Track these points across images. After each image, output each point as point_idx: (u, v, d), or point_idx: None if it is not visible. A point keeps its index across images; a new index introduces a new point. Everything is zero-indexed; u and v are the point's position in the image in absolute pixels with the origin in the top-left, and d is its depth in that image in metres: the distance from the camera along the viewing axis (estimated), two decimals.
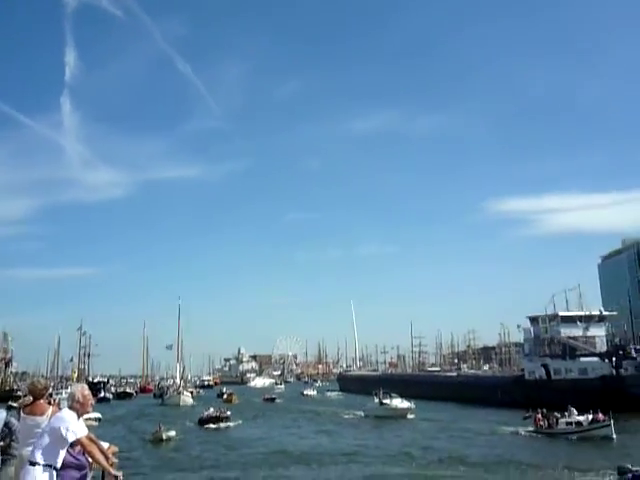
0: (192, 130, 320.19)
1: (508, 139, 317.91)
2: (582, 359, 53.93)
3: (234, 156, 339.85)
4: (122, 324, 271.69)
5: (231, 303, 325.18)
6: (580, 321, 57.48)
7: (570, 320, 57.74)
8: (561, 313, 59.06)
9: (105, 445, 6.00)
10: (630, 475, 19.51)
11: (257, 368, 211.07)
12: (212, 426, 44.11)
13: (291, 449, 32.31)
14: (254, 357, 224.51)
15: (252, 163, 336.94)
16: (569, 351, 56.03)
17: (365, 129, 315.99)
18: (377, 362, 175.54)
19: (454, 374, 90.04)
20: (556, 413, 34.96)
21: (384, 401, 50.35)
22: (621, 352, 51.88)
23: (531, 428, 36.06)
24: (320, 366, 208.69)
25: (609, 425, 31.04)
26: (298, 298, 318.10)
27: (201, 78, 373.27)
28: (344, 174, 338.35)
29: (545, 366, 55.74)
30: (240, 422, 46.94)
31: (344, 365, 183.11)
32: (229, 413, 47.26)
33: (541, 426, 35.32)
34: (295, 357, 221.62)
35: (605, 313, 59.97)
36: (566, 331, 56.71)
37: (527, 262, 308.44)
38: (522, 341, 68.47)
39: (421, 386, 74.08)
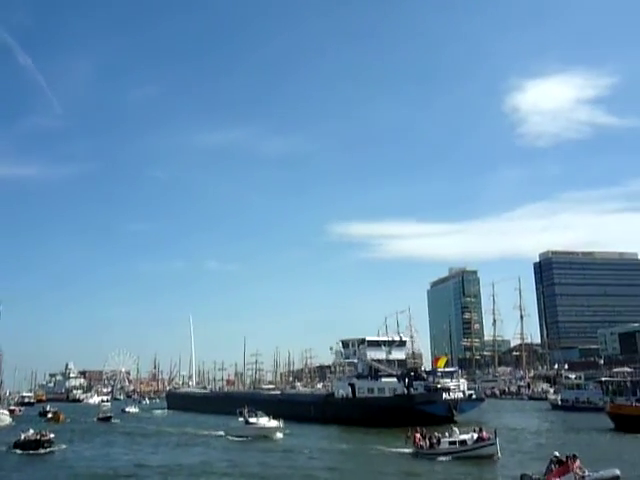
0: (30, 127, 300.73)
1: (353, 165, 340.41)
2: (383, 379, 61.32)
3: (77, 158, 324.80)
4: None
5: (61, 315, 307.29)
6: (384, 345, 65.53)
7: (376, 344, 65.74)
8: (368, 338, 66.88)
9: None
10: None
11: (85, 385, 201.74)
12: (31, 452, 38.90)
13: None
14: (83, 373, 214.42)
15: (96, 167, 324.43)
16: (373, 372, 63.49)
17: (215, 144, 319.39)
18: (215, 379, 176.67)
19: (278, 392, 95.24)
20: (436, 433, 33.31)
21: (250, 420, 47.91)
22: (412, 373, 60.31)
23: (408, 450, 33.80)
24: (154, 383, 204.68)
25: (494, 444, 30.36)
26: (135, 311, 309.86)
27: (44, 73, 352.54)
28: (190, 187, 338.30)
29: (352, 385, 62.50)
30: (65, 446, 42.08)
31: (180, 382, 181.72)
32: (52, 435, 41.86)
33: (421, 446, 33.03)
34: (128, 373, 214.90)
35: (405, 339, 69.22)
36: (372, 354, 64.21)
37: (366, 284, 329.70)
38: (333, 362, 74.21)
39: (248, 403, 77.10)
